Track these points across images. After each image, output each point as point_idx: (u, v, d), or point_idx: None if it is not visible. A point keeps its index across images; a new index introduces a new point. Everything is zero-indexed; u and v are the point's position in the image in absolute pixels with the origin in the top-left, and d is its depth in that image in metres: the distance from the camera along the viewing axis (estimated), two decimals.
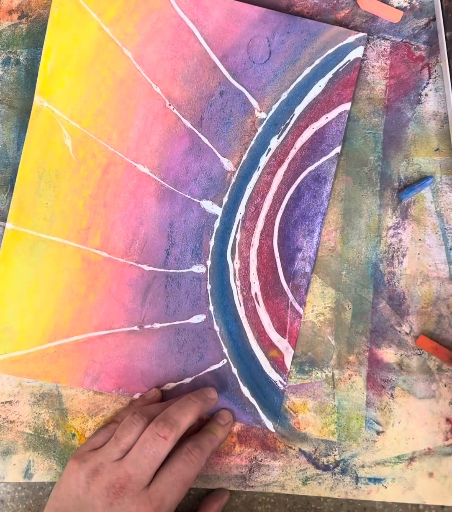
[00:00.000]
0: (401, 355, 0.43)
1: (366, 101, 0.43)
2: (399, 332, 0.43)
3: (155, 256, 0.43)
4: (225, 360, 0.43)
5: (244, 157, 0.43)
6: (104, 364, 0.43)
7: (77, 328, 0.43)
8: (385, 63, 0.43)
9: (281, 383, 0.43)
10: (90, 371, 0.43)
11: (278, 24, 0.42)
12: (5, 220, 0.43)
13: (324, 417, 0.43)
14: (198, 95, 0.42)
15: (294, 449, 0.43)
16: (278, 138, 0.42)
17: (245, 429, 0.43)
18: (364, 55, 0.43)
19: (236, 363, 0.43)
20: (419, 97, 0.43)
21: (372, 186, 0.43)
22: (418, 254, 0.43)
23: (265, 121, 0.42)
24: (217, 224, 0.43)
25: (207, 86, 0.42)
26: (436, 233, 0.43)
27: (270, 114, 0.42)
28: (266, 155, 0.42)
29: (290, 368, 0.43)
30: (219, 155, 0.43)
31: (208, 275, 0.43)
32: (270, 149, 0.42)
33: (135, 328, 0.43)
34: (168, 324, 0.43)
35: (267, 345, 0.43)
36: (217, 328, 0.43)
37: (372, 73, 0.43)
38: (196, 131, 0.42)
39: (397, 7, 0.43)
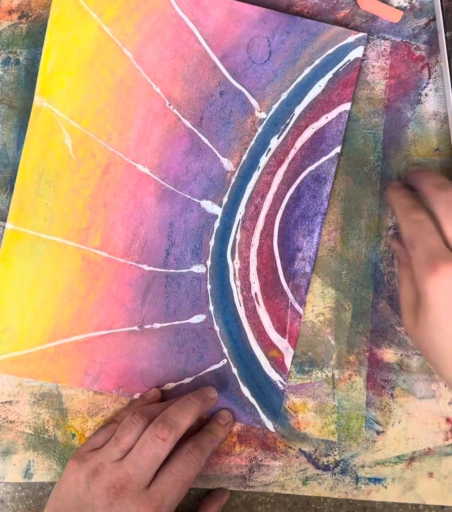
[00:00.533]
0: (401, 355, 0.43)
1: (366, 101, 0.43)
2: (399, 332, 0.43)
3: (155, 256, 0.43)
4: (225, 360, 0.43)
5: (244, 157, 0.43)
6: (104, 364, 0.43)
7: (77, 328, 0.43)
8: (385, 63, 0.43)
9: (281, 383, 0.43)
10: (90, 371, 0.43)
11: (278, 24, 0.42)
12: (5, 220, 0.43)
13: (324, 417, 0.43)
14: (198, 95, 0.42)
15: (294, 449, 0.43)
16: (278, 138, 0.42)
17: (245, 429, 0.43)
18: (364, 55, 0.43)
19: (236, 363, 0.43)
20: (419, 97, 0.43)
21: (372, 186, 0.43)
22: None
23: (265, 121, 0.42)
24: (217, 224, 0.43)
25: (207, 86, 0.42)
26: None
27: (270, 114, 0.42)
28: (266, 155, 0.42)
29: (290, 368, 0.43)
30: (219, 155, 0.43)
31: (208, 275, 0.43)
32: (270, 149, 0.42)
33: (135, 328, 0.43)
34: (168, 324, 0.43)
35: (267, 345, 0.43)
36: (217, 328, 0.43)
37: (372, 73, 0.43)
38: (196, 131, 0.42)
39: (397, 7, 0.43)
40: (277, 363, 0.43)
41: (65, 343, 0.43)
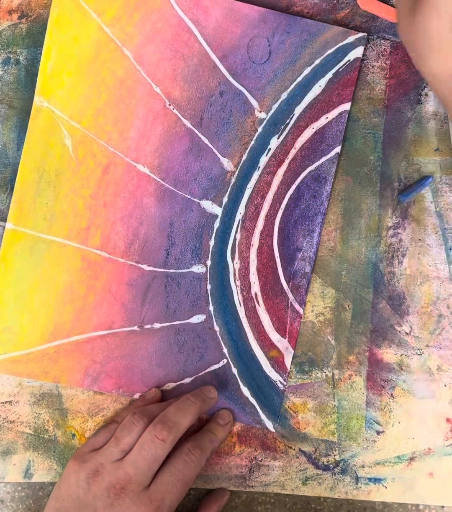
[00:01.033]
0: (401, 355, 0.43)
1: (366, 101, 0.43)
2: (399, 332, 0.43)
3: (155, 256, 0.43)
4: (225, 360, 0.43)
5: (244, 157, 0.43)
6: (104, 364, 0.43)
7: (77, 328, 0.43)
8: (385, 63, 0.43)
9: (281, 383, 0.43)
10: (90, 371, 0.43)
11: (278, 24, 0.42)
12: (5, 220, 0.43)
13: (324, 417, 0.43)
14: (198, 95, 0.42)
15: (294, 449, 0.43)
16: (278, 138, 0.42)
17: (245, 429, 0.43)
18: (364, 55, 0.43)
19: (236, 363, 0.43)
20: (419, 97, 0.43)
21: (372, 186, 0.43)
22: (418, 254, 0.43)
23: (265, 121, 0.42)
24: (217, 224, 0.43)
25: (207, 86, 0.42)
26: (436, 233, 0.43)
27: (270, 114, 0.42)
28: (266, 155, 0.42)
29: (290, 368, 0.43)
30: (219, 155, 0.43)
31: (208, 275, 0.43)
32: (270, 149, 0.42)
33: (135, 328, 0.43)
34: (168, 324, 0.43)
35: (267, 345, 0.43)
36: (217, 328, 0.43)
37: (372, 73, 0.43)
38: (196, 131, 0.42)
39: None
40: (277, 363, 0.43)
41: (65, 343, 0.43)
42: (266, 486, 0.43)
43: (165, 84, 0.42)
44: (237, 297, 0.43)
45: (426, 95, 0.43)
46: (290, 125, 0.42)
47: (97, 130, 0.42)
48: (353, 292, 0.43)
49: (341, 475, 0.43)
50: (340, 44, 0.42)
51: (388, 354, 0.43)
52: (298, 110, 0.42)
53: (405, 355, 0.43)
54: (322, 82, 0.42)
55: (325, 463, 0.43)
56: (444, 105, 0.35)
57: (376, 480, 0.43)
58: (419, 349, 0.43)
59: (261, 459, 0.43)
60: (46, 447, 0.43)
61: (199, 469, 0.39)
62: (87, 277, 0.43)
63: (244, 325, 0.43)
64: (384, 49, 0.43)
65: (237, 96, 0.42)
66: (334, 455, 0.43)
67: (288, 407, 0.43)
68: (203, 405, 0.40)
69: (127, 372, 0.43)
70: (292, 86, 0.42)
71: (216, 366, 0.43)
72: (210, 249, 0.43)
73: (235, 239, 0.43)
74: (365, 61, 0.43)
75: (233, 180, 0.43)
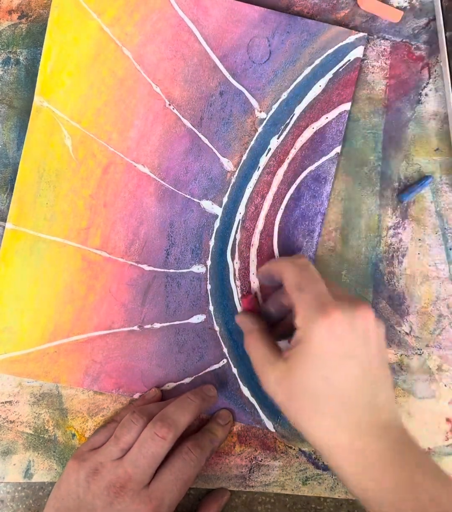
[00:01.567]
0: (401, 355, 0.43)
1: (366, 101, 0.43)
2: (399, 332, 0.43)
3: (155, 256, 0.43)
4: (225, 360, 0.43)
5: (244, 157, 0.43)
6: (104, 364, 0.43)
7: (77, 328, 0.43)
8: (385, 63, 0.43)
9: None
10: (90, 371, 0.43)
11: (278, 24, 0.42)
12: (5, 220, 0.43)
13: None
14: (198, 95, 0.42)
15: (294, 449, 0.43)
16: (278, 138, 0.42)
17: (245, 429, 0.43)
18: (364, 55, 0.43)
19: (236, 363, 0.43)
20: (419, 97, 0.43)
21: (372, 186, 0.43)
22: (418, 254, 0.43)
23: (265, 121, 0.42)
24: (217, 224, 0.43)
25: (207, 86, 0.42)
26: (436, 233, 0.43)
27: (270, 114, 0.42)
28: (266, 155, 0.42)
29: None
30: (219, 155, 0.43)
31: (208, 275, 0.43)
32: (270, 149, 0.42)
33: (135, 328, 0.43)
34: (168, 324, 0.43)
35: None
36: (217, 328, 0.43)
37: (372, 73, 0.43)
38: (196, 131, 0.42)
39: (397, 7, 0.43)
40: None
41: (65, 343, 0.43)
42: (266, 486, 0.43)
43: (165, 84, 0.42)
44: (237, 297, 0.43)
45: (426, 95, 0.43)
46: (290, 125, 0.42)
47: (97, 130, 0.42)
48: (353, 292, 0.43)
49: None
50: (340, 44, 0.42)
51: (388, 354, 0.43)
52: (298, 110, 0.42)
53: (405, 355, 0.43)
54: (322, 82, 0.42)
55: (325, 463, 0.43)
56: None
57: None
58: (419, 349, 0.43)
59: (261, 459, 0.43)
60: (46, 447, 0.43)
61: (198, 469, 0.39)
62: (87, 277, 0.43)
63: None
64: (384, 49, 0.43)
65: (237, 96, 0.42)
66: None
67: None
68: (202, 404, 0.40)
69: (127, 372, 0.43)
70: (292, 86, 0.42)
71: (216, 366, 0.43)
72: (210, 249, 0.43)
73: (235, 239, 0.43)
74: (365, 61, 0.43)
75: (233, 180, 0.43)
